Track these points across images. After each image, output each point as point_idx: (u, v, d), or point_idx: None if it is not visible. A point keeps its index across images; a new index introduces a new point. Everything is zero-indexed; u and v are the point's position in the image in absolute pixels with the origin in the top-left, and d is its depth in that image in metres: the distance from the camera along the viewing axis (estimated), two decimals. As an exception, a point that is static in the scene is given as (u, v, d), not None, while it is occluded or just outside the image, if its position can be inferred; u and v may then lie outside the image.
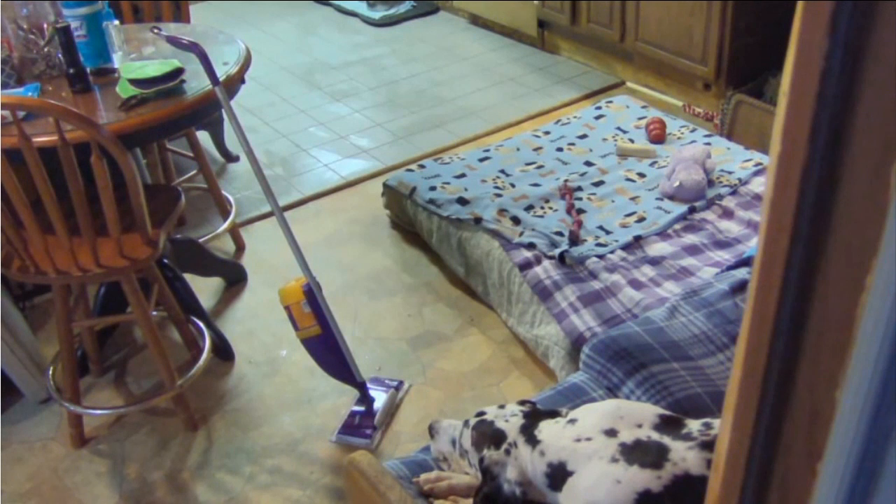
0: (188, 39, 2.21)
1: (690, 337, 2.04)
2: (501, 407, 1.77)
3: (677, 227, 2.84)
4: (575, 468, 1.55)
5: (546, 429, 1.64)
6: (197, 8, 5.54)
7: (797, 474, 0.67)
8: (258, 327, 2.89)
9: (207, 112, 2.50)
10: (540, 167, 3.27)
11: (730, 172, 3.09)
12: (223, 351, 2.75)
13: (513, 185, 3.14)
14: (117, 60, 2.46)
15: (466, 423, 1.78)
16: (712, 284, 2.28)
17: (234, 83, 2.44)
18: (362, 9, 5.57)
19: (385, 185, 3.31)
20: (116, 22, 2.48)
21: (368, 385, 2.50)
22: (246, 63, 2.51)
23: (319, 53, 5.10)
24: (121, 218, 2.18)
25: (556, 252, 2.66)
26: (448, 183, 3.15)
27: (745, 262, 2.43)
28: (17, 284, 2.86)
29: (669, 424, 1.59)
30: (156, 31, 2.47)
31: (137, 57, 2.52)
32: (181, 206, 2.44)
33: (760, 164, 3.12)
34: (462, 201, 3.00)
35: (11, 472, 2.39)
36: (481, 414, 1.76)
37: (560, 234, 2.80)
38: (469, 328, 2.82)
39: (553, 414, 1.71)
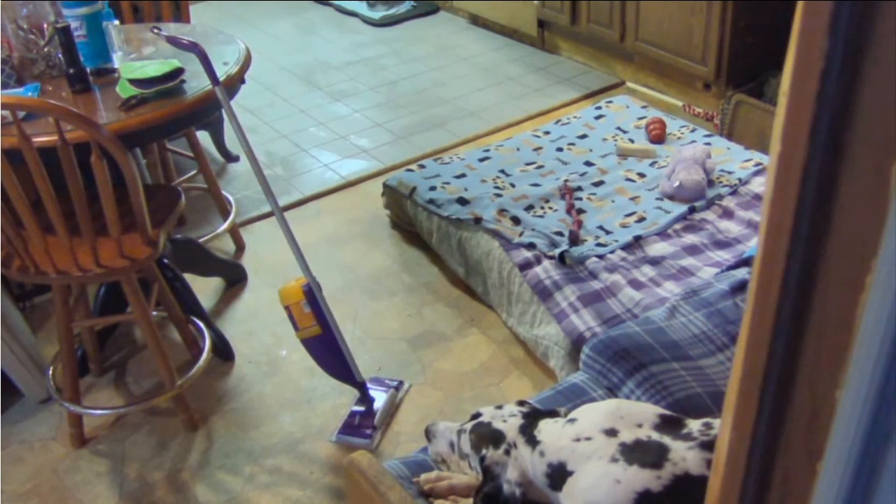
0: (188, 39, 2.21)
1: (690, 337, 2.04)
2: (499, 407, 1.77)
3: (677, 227, 2.84)
4: (575, 468, 1.55)
5: (546, 429, 1.64)
6: (197, 8, 5.54)
7: (797, 474, 0.67)
8: (258, 327, 2.89)
9: (207, 112, 2.50)
10: (540, 167, 3.27)
11: (730, 172, 3.09)
12: (223, 351, 2.75)
13: (513, 185, 3.14)
14: (117, 60, 2.46)
15: (463, 427, 1.77)
16: (712, 284, 2.28)
17: (234, 83, 2.44)
18: (362, 9, 5.57)
19: (385, 185, 3.31)
20: (116, 22, 2.48)
21: (368, 385, 2.50)
22: (246, 63, 2.51)
23: (319, 53, 5.10)
24: (121, 218, 2.18)
25: (556, 252, 2.66)
26: (448, 183, 3.15)
27: (745, 262, 2.43)
28: (17, 284, 2.86)
29: (669, 424, 1.59)
30: (156, 31, 2.47)
31: (137, 57, 2.52)
32: (181, 206, 2.44)
33: (760, 164, 3.12)
34: (462, 201, 3.00)
35: (11, 472, 2.39)
36: (477, 415, 1.76)
37: (560, 234, 2.80)
38: (469, 328, 2.82)
39: (552, 414, 1.71)
